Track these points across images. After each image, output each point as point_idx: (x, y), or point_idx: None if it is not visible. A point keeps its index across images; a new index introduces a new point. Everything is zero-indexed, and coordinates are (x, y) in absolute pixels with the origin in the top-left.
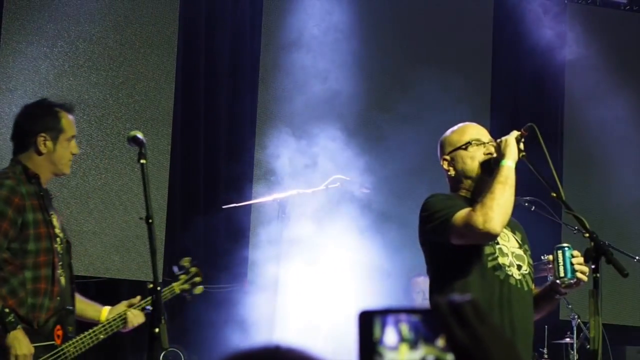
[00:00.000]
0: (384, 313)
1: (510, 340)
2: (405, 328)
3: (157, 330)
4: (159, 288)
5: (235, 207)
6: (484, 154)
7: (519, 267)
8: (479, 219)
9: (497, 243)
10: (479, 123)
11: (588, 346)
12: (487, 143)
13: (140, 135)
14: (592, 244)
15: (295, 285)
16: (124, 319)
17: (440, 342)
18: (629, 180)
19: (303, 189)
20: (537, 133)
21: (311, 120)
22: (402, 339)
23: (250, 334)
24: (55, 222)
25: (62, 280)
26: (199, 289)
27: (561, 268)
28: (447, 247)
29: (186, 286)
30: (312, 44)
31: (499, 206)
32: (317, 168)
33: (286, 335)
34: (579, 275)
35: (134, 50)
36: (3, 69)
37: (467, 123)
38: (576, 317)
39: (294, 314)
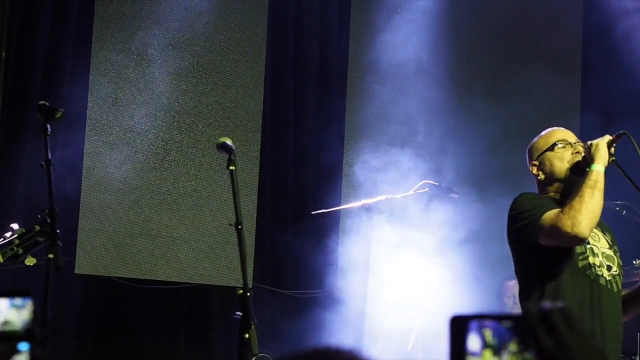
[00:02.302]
0: (474, 318)
1: (599, 348)
2: (488, 334)
3: (247, 335)
4: (248, 294)
5: (324, 212)
6: (572, 154)
7: (609, 268)
8: (567, 222)
9: (588, 243)
10: (568, 125)
11: None
12: (575, 143)
13: (229, 141)
14: None
15: (384, 290)
16: None
17: (512, 347)
18: None
19: (392, 194)
20: (632, 140)
21: (401, 124)
22: (485, 345)
23: (339, 339)
24: None
25: None
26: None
27: None
28: (536, 247)
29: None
30: (402, 50)
31: (587, 210)
32: (406, 173)
33: (374, 341)
34: None
35: (222, 57)
36: (94, 77)
37: (553, 128)
38: None
39: (383, 320)
